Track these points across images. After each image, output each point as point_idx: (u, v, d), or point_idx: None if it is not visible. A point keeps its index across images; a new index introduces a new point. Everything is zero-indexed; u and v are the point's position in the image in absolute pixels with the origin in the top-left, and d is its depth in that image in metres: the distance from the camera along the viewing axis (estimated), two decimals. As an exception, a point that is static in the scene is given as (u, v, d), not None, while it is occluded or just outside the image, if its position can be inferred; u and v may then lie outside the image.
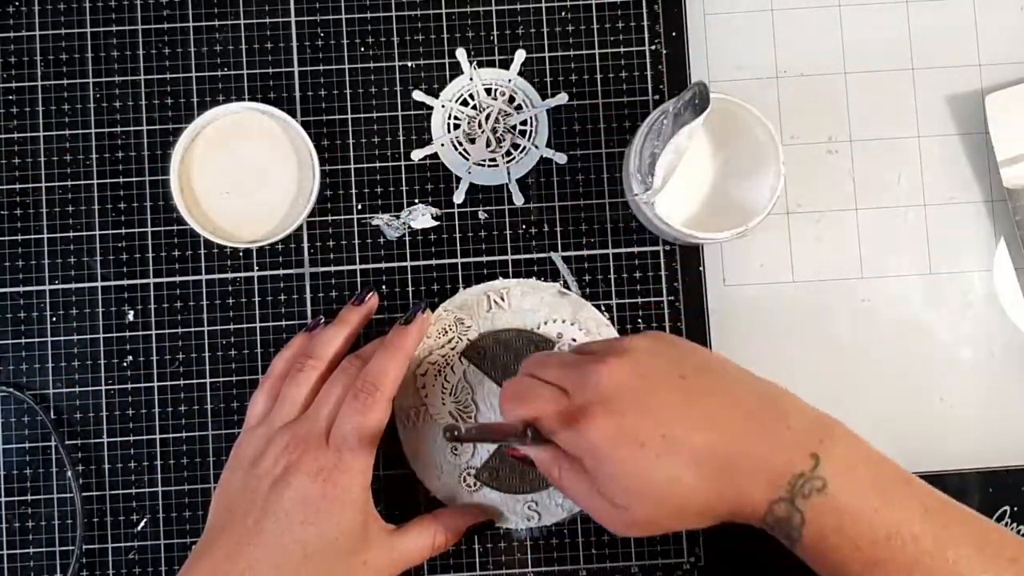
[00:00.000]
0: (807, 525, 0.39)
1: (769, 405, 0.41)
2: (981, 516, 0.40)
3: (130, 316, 0.54)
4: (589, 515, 0.43)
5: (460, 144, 0.55)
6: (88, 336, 0.54)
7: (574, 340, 0.53)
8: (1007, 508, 0.53)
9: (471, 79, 0.55)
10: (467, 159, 0.55)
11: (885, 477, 0.40)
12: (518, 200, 0.54)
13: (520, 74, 0.55)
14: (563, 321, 0.53)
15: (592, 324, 0.53)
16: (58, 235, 0.54)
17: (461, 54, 0.55)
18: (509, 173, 0.54)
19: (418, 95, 0.55)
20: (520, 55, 0.55)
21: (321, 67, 0.55)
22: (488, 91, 0.55)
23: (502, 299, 0.53)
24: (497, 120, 0.55)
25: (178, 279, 0.54)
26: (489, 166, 0.55)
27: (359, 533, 0.46)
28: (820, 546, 0.39)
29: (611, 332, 0.53)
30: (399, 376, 0.49)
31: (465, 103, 0.55)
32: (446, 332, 0.53)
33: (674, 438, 0.39)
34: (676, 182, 0.48)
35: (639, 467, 0.39)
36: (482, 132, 0.54)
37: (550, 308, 0.53)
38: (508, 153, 0.55)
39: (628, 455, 0.39)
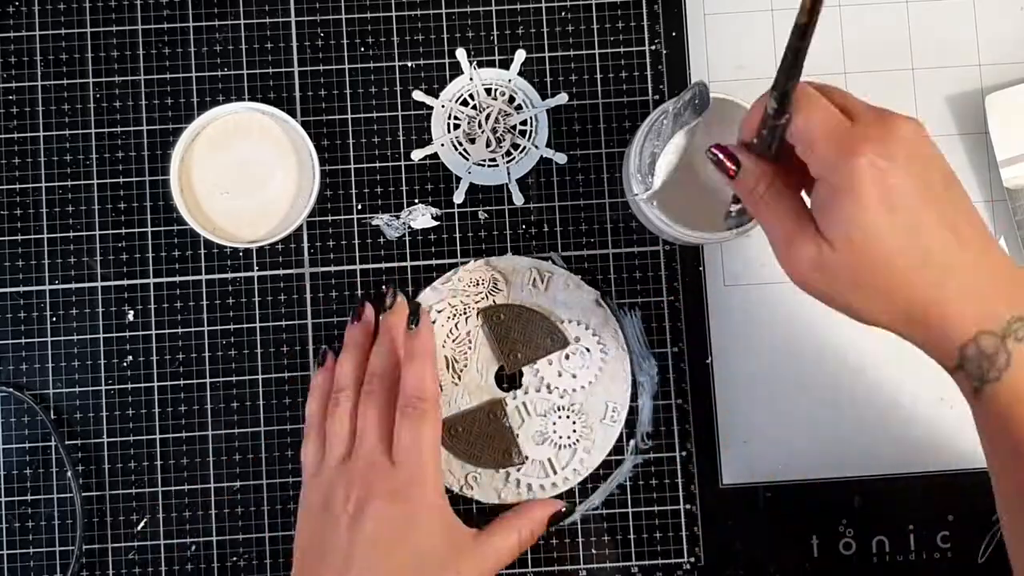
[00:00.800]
0: (1011, 369, 0.36)
1: (998, 252, 0.39)
2: None
3: (130, 316, 0.54)
4: (773, 247, 0.40)
5: (460, 144, 0.55)
6: (88, 336, 0.54)
7: (588, 349, 0.53)
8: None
9: (471, 79, 0.55)
10: (467, 159, 0.55)
11: None
12: (518, 200, 0.54)
13: (520, 74, 0.55)
14: (587, 328, 0.53)
15: (611, 342, 0.53)
16: (58, 235, 0.54)
17: (461, 54, 0.55)
18: (509, 173, 0.54)
19: (418, 95, 0.55)
20: (520, 55, 0.55)
21: (321, 67, 0.55)
22: (488, 91, 0.55)
23: (543, 280, 0.53)
24: (497, 120, 0.55)
25: (178, 279, 0.54)
26: (489, 166, 0.55)
27: (447, 542, 0.46)
28: (1013, 398, 0.37)
29: (624, 358, 0.53)
30: (436, 376, 0.49)
31: (465, 103, 0.55)
32: (478, 284, 0.53)
33: (927, 223, 0.37)
34: (677, 182, 0.48)
35: (883, 221, 0.36)
36: (482, 132, 0.54)
37: (582, 311, 0.53)
38: (508, 153, 0.55)
39: (880, 205, 0.36)
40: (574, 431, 0.53)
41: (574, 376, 0.53)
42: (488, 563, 0.48)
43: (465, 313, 0.53)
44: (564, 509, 0.52)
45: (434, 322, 0.53)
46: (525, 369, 0.53)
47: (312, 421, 0.51)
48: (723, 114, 0.48)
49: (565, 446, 0.53)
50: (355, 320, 0.52)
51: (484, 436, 0.52)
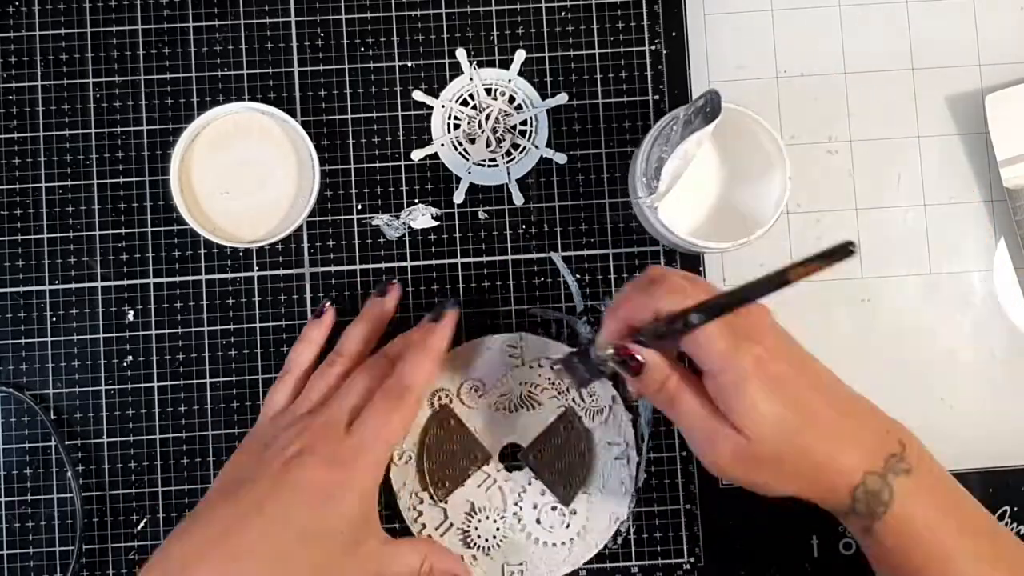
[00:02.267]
0: (895, 500, 0.41)
1: (862, 404, 0.44)
2: None
3: (130, 316, 0.54)
4: (690, 440, 0.43)
5: (460, 144, 0.55)
6: (88, 336, 0.54)
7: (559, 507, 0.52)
8: (1007, 508, 0.54)
9: (471, 79, 0.55)
10: (467, 159, 0.55)
11: (952, 485, 0.44)
12: (518, 200, 0.54)
13: (520, 74, 0.55)
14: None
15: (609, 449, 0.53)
16: (58, 235, 0.54)
17: (461, 54, 0.55)
18: (509, 173, 0.54)
19: (418, 95, 0.55)
20: (520, 55, 0.55)
21: (321, 67, 0.55)
22: (488, 91, 0.55)
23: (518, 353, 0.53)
24: (497, 120, 0.55)
25: (178, 279, 0.54)
26: (489, 166, 0.55)
27: (360, 528, 0.45)
28: (901, 526, 0.41)
29: (624, 466, 0.53)
30: (431, 377, 0.48)
31: (465, 103, 0.55)
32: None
33: (808, 399, 0.42)
34: (681, 189, 0.48)
35: (779, 399, 0.40)
36: (482, 132, 0.54)
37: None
38: (508, 153, 0.55)
39: (776, 387, 0.41)
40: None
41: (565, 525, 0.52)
42: (383, 569, 0.46)
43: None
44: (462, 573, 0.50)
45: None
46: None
47: (293, 369, 0.50)
48: (730, 123, 0.47)
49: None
50: (379, 295, 0.52)
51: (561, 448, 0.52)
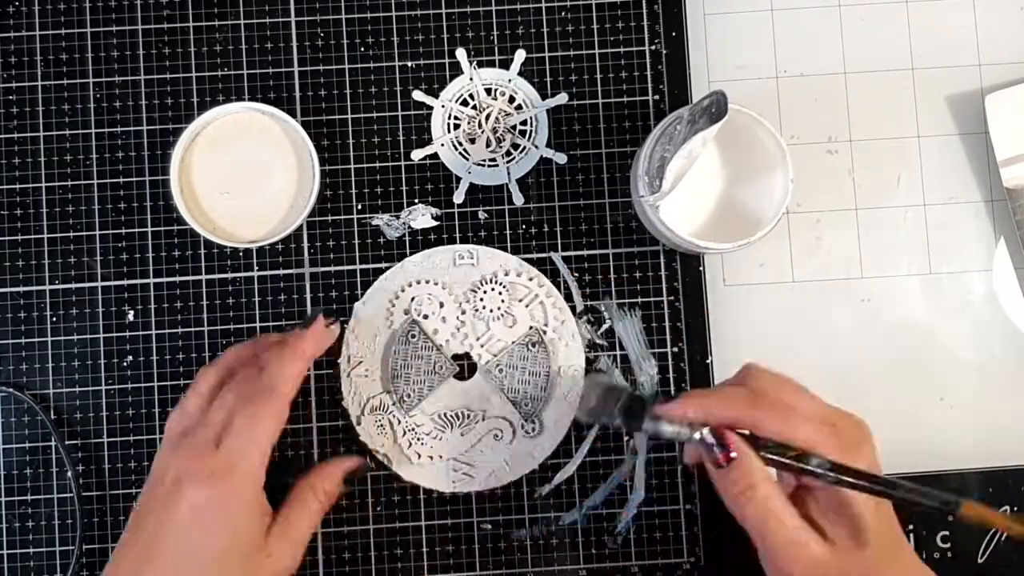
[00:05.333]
0: None
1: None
2: None
3: (130, 316, 0.54)
4: (769, 539, 0.42)
5: (460, 144, 0.55)
6: (88, 336, 0.54)
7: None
8: (1007, 508, 0.54)
9: (471, 79, 0.55)
10: (467, 159, 0.55)
11: None
12: (518, 200, 0.54)
13: (520, 74, 0.55)
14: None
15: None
16: (58, 235, 0.54)
17: (461, 54, 0.55)
18: (509, 173, 0.54)
19: (418, 95, 0.55)
20: (520, 55, 0.55)
21: (321, 67, 0.55)
22: (488, 91, 0.55)
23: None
24: (497, 120, 0.55)
25: (178, 279, 0.54)
26: (489, 166, 0.55)
27: (256, 533, 0.46)
28: None
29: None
30: (297, 379, 0.48)
31: (465, 103, 0.55)
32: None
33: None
34: (682, 189, 0.48)
35: (886, 523, 0.42)
36: (482, 132, 0.54)
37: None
38: (508, 153, 0.55)
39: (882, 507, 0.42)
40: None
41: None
42: (292, 536, 0.47)
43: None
44: (359, 466, 0.51)
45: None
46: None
47: (195, 388, 0.49)
48: (733, 123, 0.47)
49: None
50: (303, 327, 0.50)
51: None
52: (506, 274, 0.54)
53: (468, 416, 0.53)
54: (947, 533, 0.53)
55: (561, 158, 0.55)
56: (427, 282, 0.54)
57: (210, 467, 0.45)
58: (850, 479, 0.40)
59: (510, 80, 0.55)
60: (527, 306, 0.54)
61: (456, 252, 0.54)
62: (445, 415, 0.53)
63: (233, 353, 0.50)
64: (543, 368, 0.53)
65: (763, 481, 0.41)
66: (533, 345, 0.53)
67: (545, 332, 0.54)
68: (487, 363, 0.53)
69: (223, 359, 0.50)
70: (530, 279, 0.54)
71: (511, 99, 0.55)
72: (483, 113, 0.55)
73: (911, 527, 0.53)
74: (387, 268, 0.54)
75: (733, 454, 0.41)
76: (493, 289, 0.54)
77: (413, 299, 0.54)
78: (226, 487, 0.45)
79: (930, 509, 0.39)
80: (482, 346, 0.53)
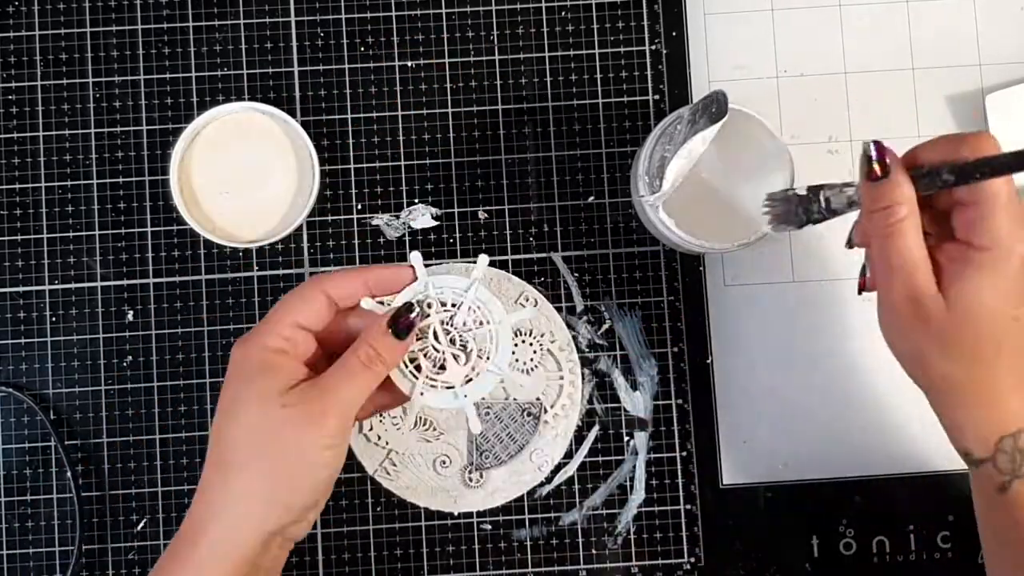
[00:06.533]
0: None
1: None
2: None
3: (130, 316, 0.54)
4: (885, 265, 0.39)
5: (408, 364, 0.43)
6: (88, 336, 0.54)
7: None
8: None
9: (425, 285, 0.43)
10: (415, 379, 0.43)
11: None
12: (475, 428, 0.44)
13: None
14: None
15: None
16: (58, 235, 0.54)
17: (416, 258, 0.43)
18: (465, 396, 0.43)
19: (367, 303, 0.43)
20: (483, 261, 0.44)
21: (321, 67, 0.55)
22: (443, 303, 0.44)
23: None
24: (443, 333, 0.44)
25: (178, 279, 0.54)
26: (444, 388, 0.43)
27: (270, 387, 0.41)
28: None
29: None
30: (345, 279, 0.43)
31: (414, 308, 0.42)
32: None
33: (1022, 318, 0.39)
34: (683, 189, 0.48)
35: (1009, 310, 0.38)
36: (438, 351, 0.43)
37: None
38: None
39: (1016, 296, 0.38)
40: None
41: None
42: (323, 397, 0.40)
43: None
44: (402, 306, 0.42)
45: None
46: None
47: None
48: (732, 123, 0.47)
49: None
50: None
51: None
52: (552, 342, 0.52)
53: (431, 426, 0.52)
54: (947, 533, 0.53)
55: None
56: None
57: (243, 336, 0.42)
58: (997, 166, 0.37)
59: (466, 290, 0.43)
60: (547, 380, 0.52)
61: (524, 293, 0.52)
62: (419, 417, 0.53)
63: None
64: (523, 439, 0.52)
65: (907, 205, 0.39)
66: (528, 415, 0.52)
67: (546, 412, 0.52)
68: (482, 400, 0.50)
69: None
70: (569, 361, 0.52)
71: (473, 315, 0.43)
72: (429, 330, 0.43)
73: (911, 527, 0.53)
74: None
75: (888, 161, 0.39)
76: (531, 345, 0.52)
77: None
78: (248, 334, 0.42)
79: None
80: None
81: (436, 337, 0.43)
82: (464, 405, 0.43)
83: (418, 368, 0.43)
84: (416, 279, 0.43)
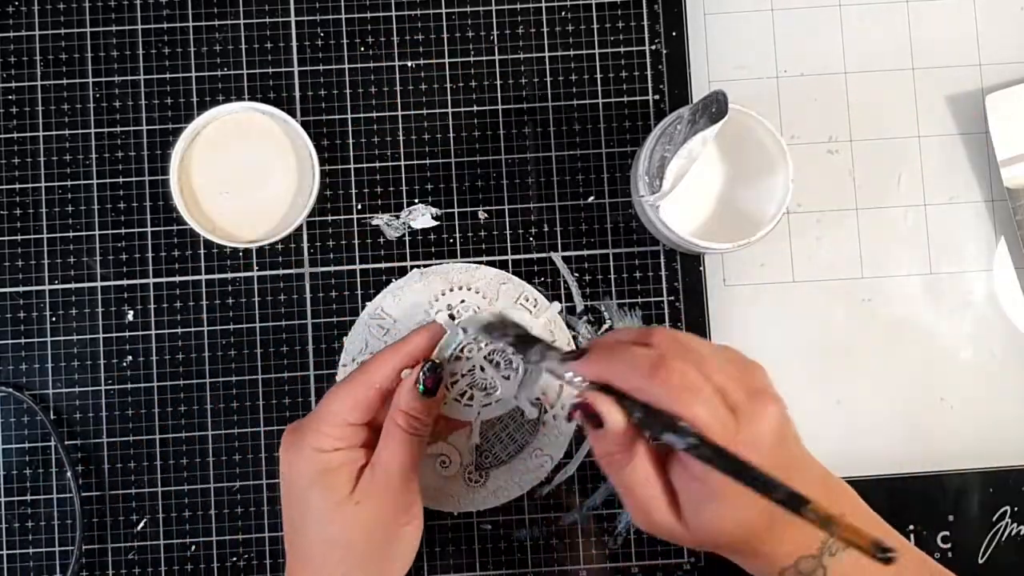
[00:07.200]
0: None
1: (815, 469, 0.42)
2: None
3: (130, 316, 0.54)
4: (631, 501, 0.39)
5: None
6: (88, 336, 0.54)
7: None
8: (1007, 508, 0.53)
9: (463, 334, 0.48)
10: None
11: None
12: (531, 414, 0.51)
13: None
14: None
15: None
16: (58, 235, 0.54)
17: (443, 317, 0.49)
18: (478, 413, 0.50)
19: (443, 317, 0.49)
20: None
21: (321, 67, 0.55)
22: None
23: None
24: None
25: (178, 279, 0.54)
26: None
27: (339, 483, 0.44)
28: None
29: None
30: (385, 364, 0.45)
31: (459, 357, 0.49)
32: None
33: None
34: (683, 189, 0.48)
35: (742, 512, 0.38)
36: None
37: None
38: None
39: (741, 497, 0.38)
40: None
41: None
42: (380, 478, 0.43)
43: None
44: (423, 369, 0.45)
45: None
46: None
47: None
48: (733, 124, 0.47)
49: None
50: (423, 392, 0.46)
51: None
52: (553, 342, 0.50)
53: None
54: (947, 533, 0.53)
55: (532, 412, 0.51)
56: (469, 289, 0.53)
57: (292, 425, 0.45)
58: (715, 460, 0.36)
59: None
60: (548, 380, 0.51)
61: (523, 293, 0.53)
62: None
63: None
64: (523, 439, 0.52)
65: (631, 445, 0.39)
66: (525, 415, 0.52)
67: (546, 412, 0.52)
68: (485, 404, 0.50)
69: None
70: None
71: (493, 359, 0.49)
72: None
73: (911, 527, 0.53)
74: (387, 268, 0.54)
75: (600, 418, 0.38)
76: None
77: (453, 304, 0.52)
78: (295, 435, 0.44)
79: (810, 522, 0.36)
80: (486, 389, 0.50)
81: (483, 369, 0.48)
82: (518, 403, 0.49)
83: (471, 397, 0.48)
84: (446, 331, 0.47)
